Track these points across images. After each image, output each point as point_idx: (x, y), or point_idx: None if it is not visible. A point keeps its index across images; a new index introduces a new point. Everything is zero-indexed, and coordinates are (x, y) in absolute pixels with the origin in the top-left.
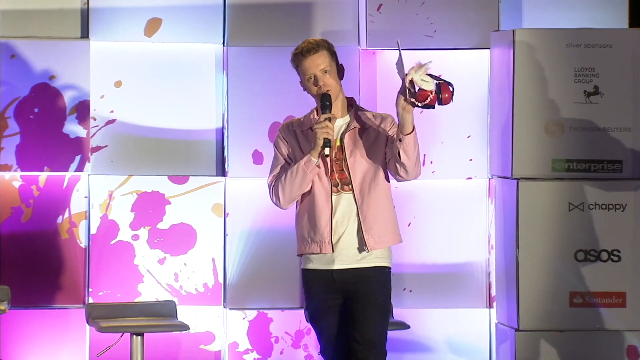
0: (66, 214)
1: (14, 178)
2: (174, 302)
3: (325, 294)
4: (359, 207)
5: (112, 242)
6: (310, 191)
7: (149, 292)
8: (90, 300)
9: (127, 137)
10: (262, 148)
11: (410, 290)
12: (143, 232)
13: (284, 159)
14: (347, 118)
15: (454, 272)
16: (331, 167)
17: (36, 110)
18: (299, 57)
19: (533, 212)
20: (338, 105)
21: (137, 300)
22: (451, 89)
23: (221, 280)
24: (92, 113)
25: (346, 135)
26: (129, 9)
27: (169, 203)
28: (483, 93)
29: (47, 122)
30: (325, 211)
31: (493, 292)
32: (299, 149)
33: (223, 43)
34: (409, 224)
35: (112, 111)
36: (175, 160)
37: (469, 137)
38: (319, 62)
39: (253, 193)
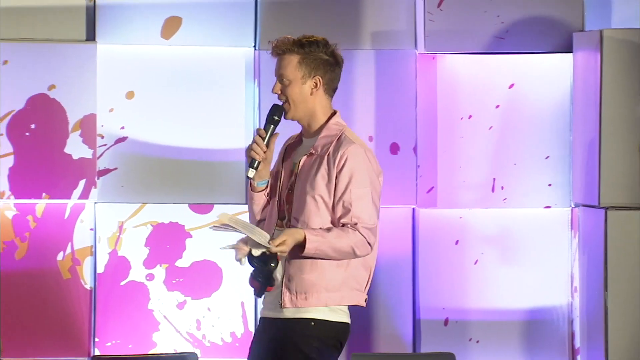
0: (68, 250)
1: (7, 207)
2: (196, 354)
3: (256, 343)
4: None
5: (123, 283)
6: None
7: (166, 343)
8: (97, 352)
9: (140, 158)
10: None
11: (478, 341)
12: (159, 271)
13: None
14: (315, 140)
15: (529, 320)
16: (280, 196)
17: (33, 126)
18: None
19: (624, 248)
20: (308, 123)
21: (151, 352)
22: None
23: (252, 328)
24: (99, 130)
25: (302, 161)
26: (142, 7)
27: (190, 236)
28: (564, 106)
29: (46, 140)
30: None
31: (577, 344)
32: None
33: (254, 46)
34: (476, 262)
35: (122, 127)
36: (197, 186)
37: (547, 158)
38: (278, 68)
39: None
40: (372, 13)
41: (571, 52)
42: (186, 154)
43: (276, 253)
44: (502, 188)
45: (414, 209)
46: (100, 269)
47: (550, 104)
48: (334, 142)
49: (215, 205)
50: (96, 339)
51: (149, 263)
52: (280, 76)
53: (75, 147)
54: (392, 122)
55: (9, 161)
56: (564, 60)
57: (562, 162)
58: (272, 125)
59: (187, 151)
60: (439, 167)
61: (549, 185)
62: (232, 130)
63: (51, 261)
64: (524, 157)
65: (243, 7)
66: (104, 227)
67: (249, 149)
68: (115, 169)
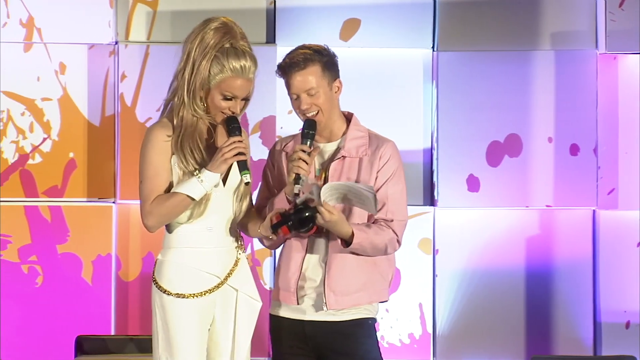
0: (248, 250)
1: None
2: None
3: (296, 348)
4: (329, 253)
5: None
6: None
7: None
8: None
9: None
10: (479, 172)
11: None
12: None
13: (268, 188)
14: (339, 142)
15: None
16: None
17: None
18: (282, 72)
19: None
20: (329, 127)
21: None
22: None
23: (430, 330)
24: (278, 131)
25: (332, 165)
26: (321, 9)
27: None
28: None
29: None
30: (297, 255)
31: None
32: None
33: (432, 48)
34: None
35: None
36: None
37: None
38: (303, 82)
39: (467, 226)
40: (551, 13)
41: None
42: None
43: (315, 213)
44: None
45: (594, 210)
46: None
47: None
48: (369, 143)
49: None
50: None
51: None
52: (308, 90)
53: (255, 149)
54: (572, 123)
55: None
56: None
57: None
58: (309, 140)
59: None
60: (620, 168)
61: None
62: (411, 132)
63: None
64: None
65: (422, 8)
66: None
67: (295, 167)
68: None
